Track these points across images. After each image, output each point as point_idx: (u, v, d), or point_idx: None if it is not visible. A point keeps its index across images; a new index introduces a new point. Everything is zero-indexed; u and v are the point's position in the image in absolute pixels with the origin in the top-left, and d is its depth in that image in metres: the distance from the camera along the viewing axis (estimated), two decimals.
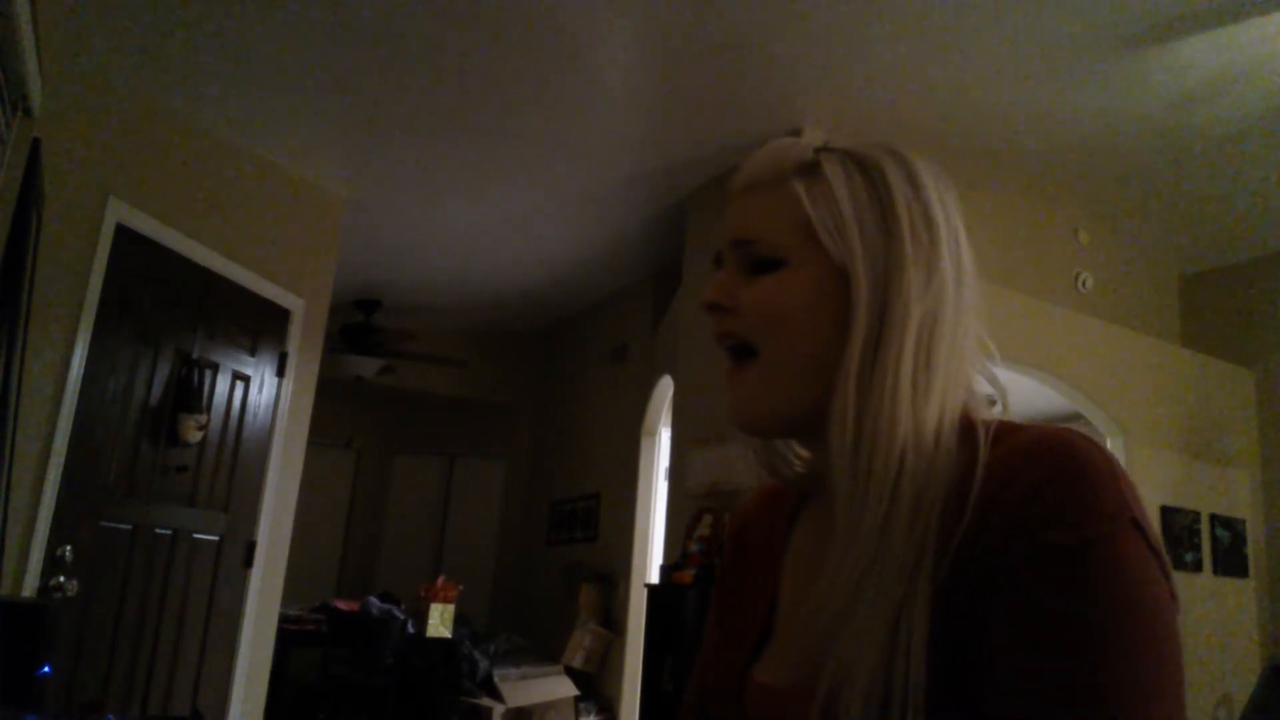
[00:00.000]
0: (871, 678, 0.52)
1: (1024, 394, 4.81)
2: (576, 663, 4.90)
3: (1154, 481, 4.19)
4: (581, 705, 4.85)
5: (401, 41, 3.10)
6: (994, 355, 0.66)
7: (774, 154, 0.68)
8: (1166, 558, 0.52)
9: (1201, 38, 2.92)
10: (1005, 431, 0.58)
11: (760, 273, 0.65)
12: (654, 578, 4.56)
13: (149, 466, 3.25)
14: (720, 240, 0.69)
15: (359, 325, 6.00)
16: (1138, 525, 0.51)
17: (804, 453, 0.73)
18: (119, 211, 3.15)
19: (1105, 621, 0.48)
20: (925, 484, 0.56)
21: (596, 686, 5.01)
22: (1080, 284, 4.59)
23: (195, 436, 3.37)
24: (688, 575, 3.34)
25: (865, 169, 0.65)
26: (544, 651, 5.28)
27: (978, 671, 0.50)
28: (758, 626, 0.70)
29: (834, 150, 0.67)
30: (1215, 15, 2.81)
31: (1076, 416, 4.87)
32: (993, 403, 0.64)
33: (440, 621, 4.80)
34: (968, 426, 0.59)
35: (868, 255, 0.62)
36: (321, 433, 4.75)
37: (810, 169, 0.66)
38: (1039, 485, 0.52)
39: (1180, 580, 4.18)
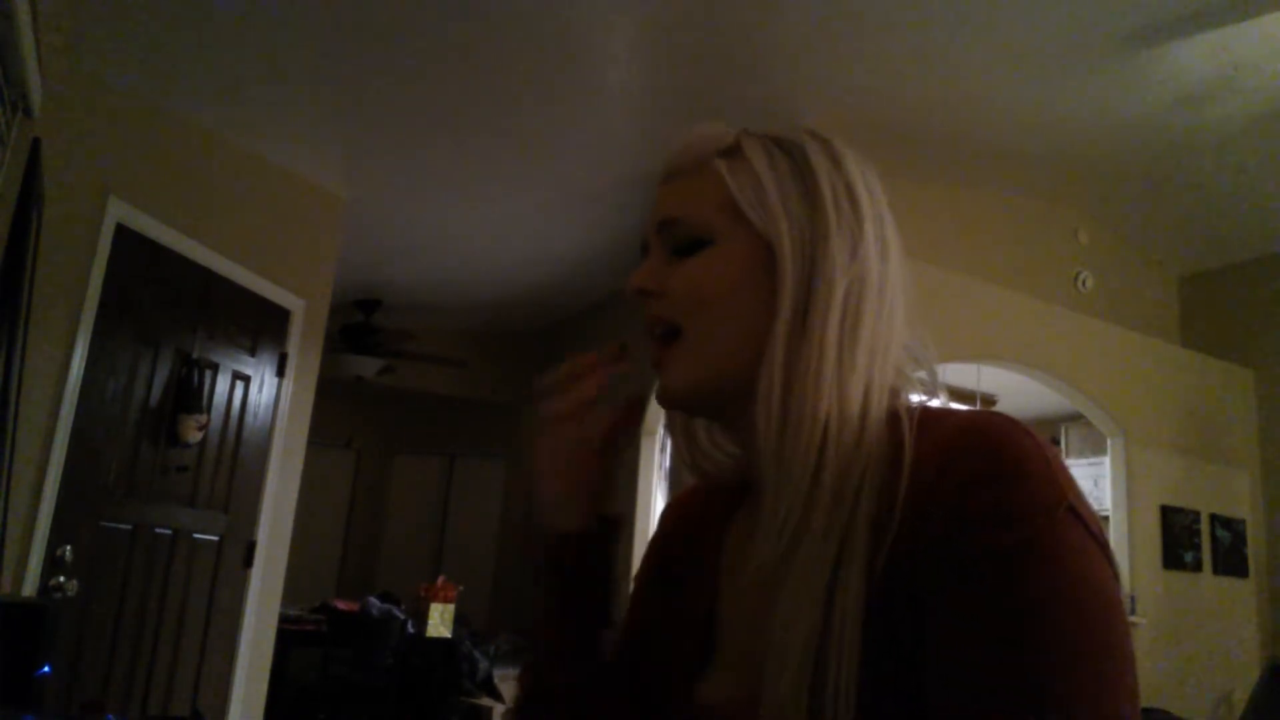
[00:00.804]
0: (800, 667, 0.52)
1: (1024, 394, 4.81)
2: None
3: (1154, 481, 4.19)
4: None
5: (401, 41, 3.10)
6: (924, 336, 0.64)
7: (695, 140, 0.67)
8: (1106, 539, 0.51)
9: (1201, 38, 2.92)
10: (930, 418, 0.57)
11: (687, 254, 0.64)
12: None
13: (149, 467, 3.25)
14: (646, 229, 0.69)
15: (359, 325, 6.00)
16: (1075, 513, 0.50)
17: (731, 448, 0.72)
18: (119, 211, 3.14)
19: (1051, 618, 0.47)
20: (849, 465, 0.55)
21: None
22: (1080, 284, 4.59)
23: (195, 437, 3.37)
24: None
25: (785, 148, 0.65)
26: None
27: (916, 673, 0.50)
28: (697, 643, 0.67)
29: (754, 133, 0.67)
30: (1215, 15, 2.81)
31: (1077, 416, 4.87)
32: (924, 385, 0.63)
33: (440, 621, 4.80)
34: (893, 412, 0.58)
35: (792, 227, 0.61)
36: (321, 433, 4.74)
37: (731, 150, 0.66)
38: (974, 479, 0.51)
39: (1180, 580, 4.18)
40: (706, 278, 0.63)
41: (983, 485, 0.50)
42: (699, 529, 0.74)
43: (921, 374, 0.63)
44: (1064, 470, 0.52)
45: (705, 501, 0.75)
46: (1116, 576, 0.51)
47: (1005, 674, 0.47)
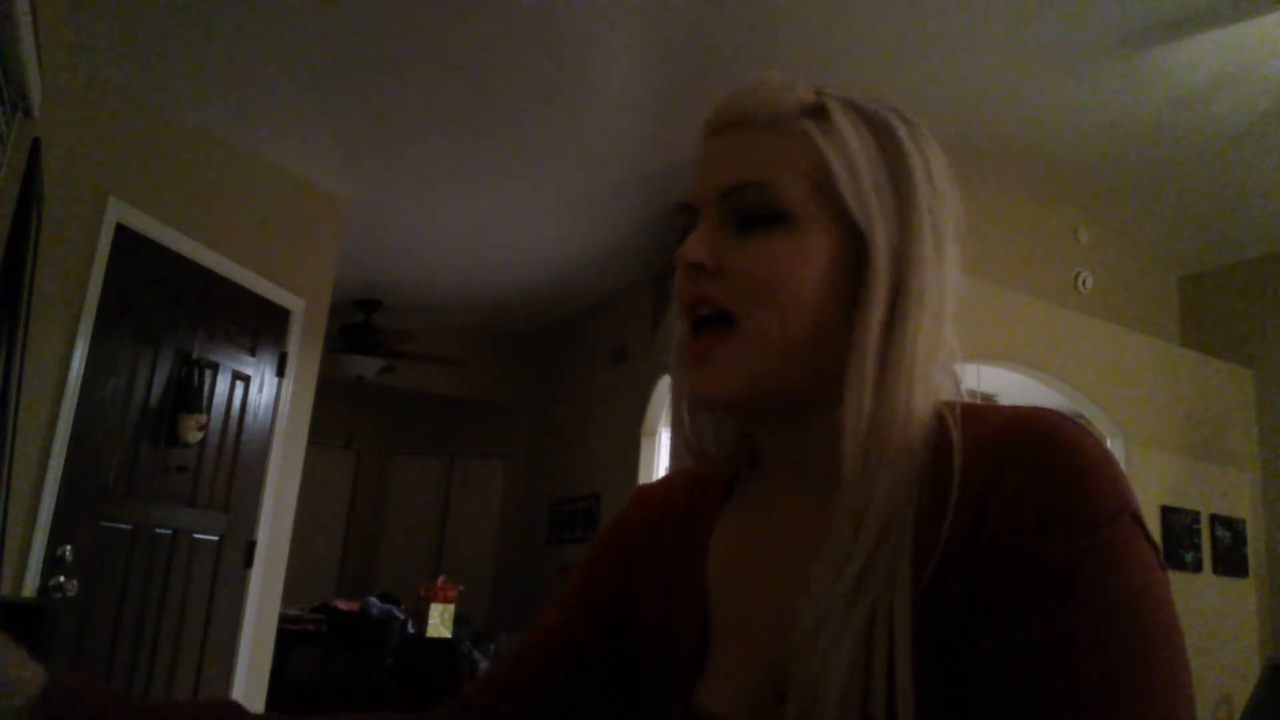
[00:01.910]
0: (846, 690, 0.47)
1: (1024, 394, 4.81)
2: None
3: (1154, 481, 4.19)
4: None
5: (402, 41, 3.10)
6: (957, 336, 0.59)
7: (769, 90, 0.58)
8: (1159, 545, 0.49)
9: (1201, 38, 2.92)
10: (973, 414, 0.53)
11: (752, 228, 0.56)
12: None
13: (149, 466, 3.25)
14: (697, 186, 0.59)
15: (359, 325, 6.00)
16: (1137, 518, 0.47)
17: (732, 433, 0.65)
18: (119, 211, 3.15)
19: (1117, 629, 0.45)
20: (902, 468, 0.51)
21: None
22: (1080, 284, 4.59)
23: (195, 436, 3.37)
24: None
25: (871, 124, 0.57)
26: None
27: (976, 684, 0.46)
28: (694, 643, 0.60)
29: (833, 95, 0.58)
30: (1215, 15, 2.81)
31: (1077, 416, 4.86)
32: (958, 384, 0.59)
33: (440, 621, 4.80)
34: (936, 411, 0.54)
35: (885, 220, 0.55)
36: (321, 433, 4.74)
37: (818, 112, 0.57)
38: (1033, 482, 0.47)
39: (1180, 580, 4.18)
40: (785, 266, 0.54)
41: (1041, 489, 0.47)
42: (681, 523, 0.67)
43: (955, 373, 0.58)
44: (1122, 471, 0.49)
45: (685, 495, 0.68)
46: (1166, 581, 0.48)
47: (1069, 686, 0.44)
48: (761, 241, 0.55)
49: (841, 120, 0.56)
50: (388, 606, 4.89)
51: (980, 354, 4.00)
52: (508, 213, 4.62)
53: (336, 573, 7.18)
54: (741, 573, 0.61)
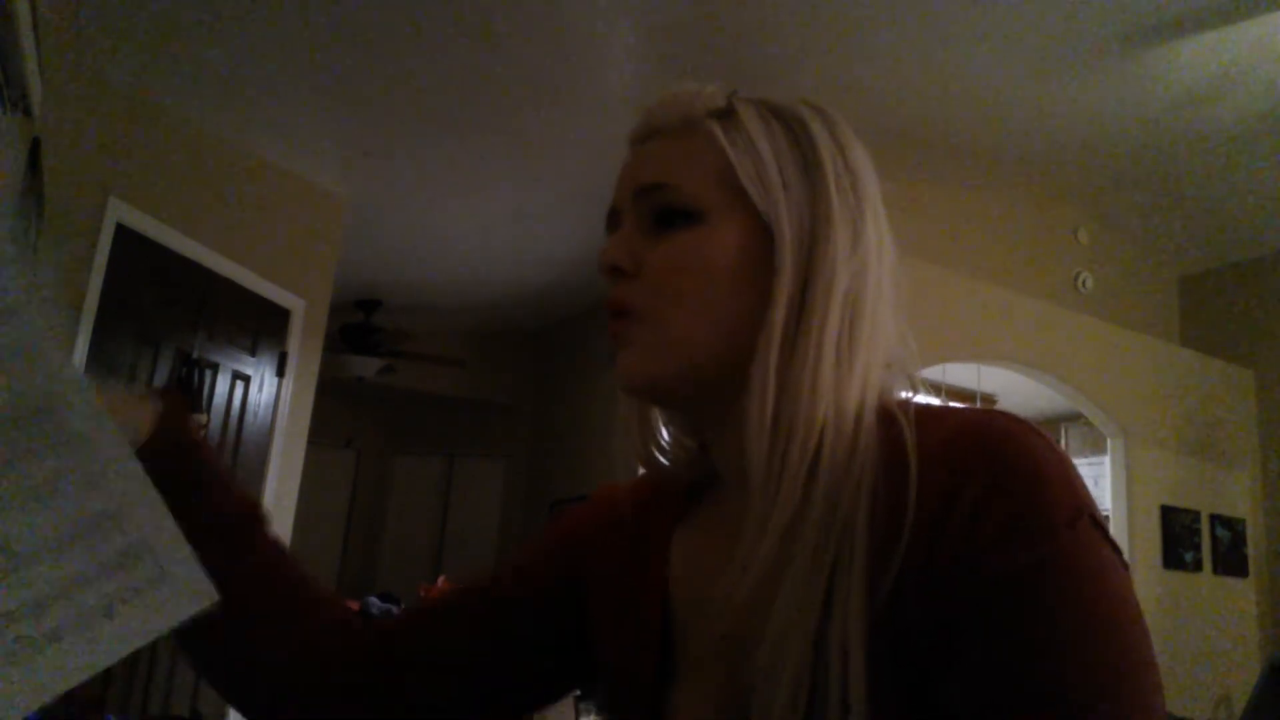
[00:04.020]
0: (794, 693, 0.47)
1: (1024, 394, 4.81)
2: None
3: (1154, 481, 4.20)
4: (581, 705, 4.85)
5: (401, 41, 3.10)
6: (909, 335, 0.58)
7: (681, 97, 0.59)
8: (1117, 543, 0.48)
9: (1201, 38, 2.92)
10: (928, 417, 0.52)
11: (668, 227, 0.57)
12: None
13: None
14: (618, 194, 0.61)
15: (359, 325, 6.00)
16: (1095, 520, 0.47)
17: (688, 441, 0.65)
18: (119, 211, 3.15)
19: (1081, 638, 0.44)
20: (845, 472, 0.51)
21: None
22: (1080, 284, 4.59)
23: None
24: None
25: (782, 117, 0.58)
26: None
27: (943, 703, 0.46)
28: (655, 647, 0.60)
29: (747, 97, 0.60)
30: (1215, 15, 2.81)
31: (1077, 416, 4.87)
32: (910, 382, 0.58)
33: None
34: (885, 410, 0.53)
35: (792, 209, 0.55)
36: (321, 433, 4.74)
37: (725, 113, 0.58)
38: (988, 495, 0.46)
39: (1180, 580, 4.18)
40: (694, 260, 0.56)
41: (999, 498, 0.46)
42: (641, 527, 0.66)
43: (907, 370, 0.57)
44: (1077, 474, 0.48)
45: (643, 501, 0.68)
46: (1126, 568, 0.48)
47: (1038, 697, 0.43)
48: (673, 239, 0.56)
49: (749, 117, 0.58)
50: (388, 606, 4.89)
51: (980, 354, 4.00)
52: (508, 213, 4.62)
53: (336, 573, 7.18)
54: (700, 582, 0.61)
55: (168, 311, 3.37)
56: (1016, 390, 4.78)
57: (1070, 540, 0.45)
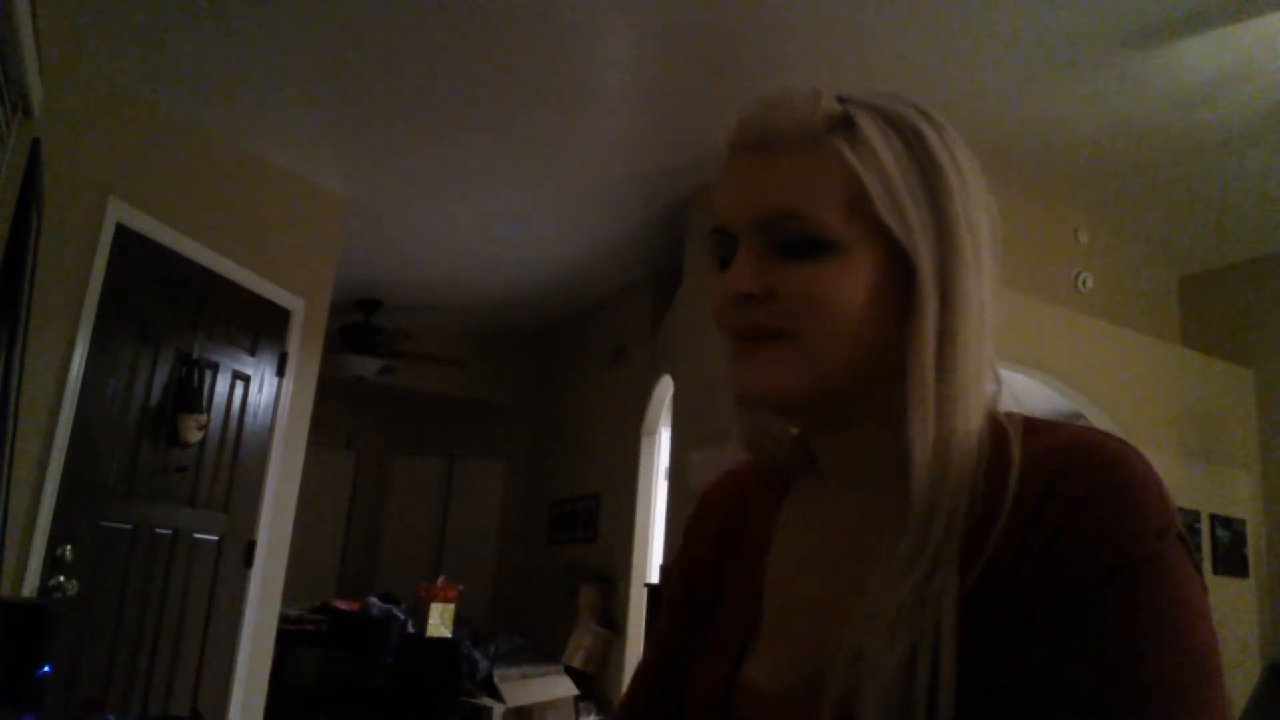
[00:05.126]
0: (893, 679, 0.50)
1: (1024, 394, 4.81)
2: (576, 663, 4.91)
3: None
4: (581, 705, 4.85)
5: (401, 42, 3.10)
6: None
7: (796, 103, 0.57)
8: (1201, 567, 0.51)
9: (1201, 38, 2.92)
10: (1036, 429, 0.55)
11: (799, 255, 0.56)
12: (654, 578, 4.56)
13: (149, 466, 3.25)
14: (730, 208, 0.58)
15: (359, 325, 6.01)
16: (1183, 540, 0.50)
17: (792, 430, 0.67)
18: (119, 211, 3.15)
19: (1156, 644, 0.46)
20: (960, 471, 0.54)
21: (596, 686, 5.01)
22: (1080, 284, 4.59)
23: (195, 436, 3.37)
24: None
25: (898, 128, 0.57)
26: (544, 651, 5.28)
27: (1013, 686, 0.48)
28: (746, 624, 0.64)
29: (859, 101, 0.58)
30: (1215, 15, 2.81)
31: (1077, 416, 4.86)
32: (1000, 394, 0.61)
33: (440, 621, 4.80)
34: (993, 419, 0.56)
35: (924, 233, 0.55)
36: (321, 433, 4.75)
37: (845, 124, 0.56)
38: (1087, 497, 0.49)
39: None
40: (832, 291, 0.55)
41: (1093, 504, 0.49)
42: (743, 515, 0.71)
43: (999, 377, 0.60)
44: (1171, 497, 0.51)
45: (750, 488, 0.72)
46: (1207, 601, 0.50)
47: (1107, 693, 0.46)
48: (808, 268, 0.56)
49: (870, 131, 0.56)
50: (388, 606, 4.89)
51: None
52: (508, 213, 4.62)
53: (336, 573, 7.18)
54: (794, 564, 0.64)
55: (168, 311, 3.37)
56: (1016, 390, 4.77)
57: (1157, 551, 0.48)
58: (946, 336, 0.55)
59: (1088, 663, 0.47)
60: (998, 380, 0.58)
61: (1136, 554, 0.48)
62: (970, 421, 0.55)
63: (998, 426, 0.55)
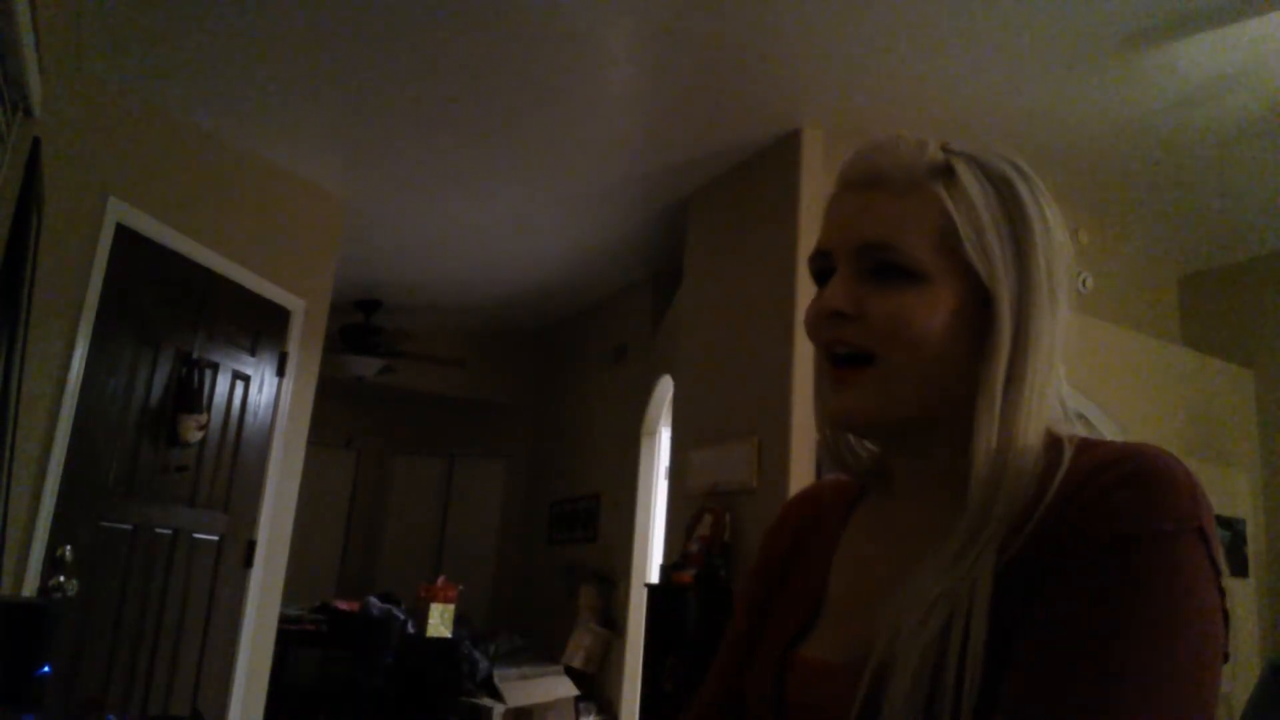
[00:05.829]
0: (926, 649, 0.54)
1: None
2: (576, 663, 4.90)
3: None
4: (581, 705, 4.85)
5: (402, 42, 3.10)
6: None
7: (902, 151, 0.64)
8: (1226, 574, 0.53)
9: (1201, 38, 2.92)
10: (1090, 445, 0.59)
11: (889, 281, 0.62)
12: (654, 578, 4.56)
13: (149, 466, 3.25)
14: (833, 235, 0.66)
15: (359, 325, 6.01)
16: (1203, 535, 0.52)
17: (872, 447, 0.74)
18: (119, 211, 3.15)
19: (1148, 613, 0.49)
20: (1014, 489, 0.58)
21: (596, 686, 5.01)
22: (1080, 284, 4.59)
23: (195, 436, 3.37)
24: (688, 575, 3.34)
25: (994, 180, 0.64)
26: (544, 651, 5.28)
27: (1017, 645, 0.52)
28: (806, 611, 0.71)
29: (960, 152, 0.65)
30: (1215, 15, 2.81)
31: (1077, 416, 4.85)
32: (1078, 417, 0.66)
33: (440, 621, 4.80)
34: (1053, 438, 0.61)
35: (1006, 274, 0.62)
36: (321, 433, 4.75)
37: (946, 172, 0.64)
38: (1115, 485, 0.53)
39: None
40: (915, 316, 0.62)
41: (1120, 490, 0.53)
42: (820, 520, 0.78)
43: (1062, 398, 0.65)
44: (1206, 502, 0.54)
45: (825, 499, 0.80)
46: (1226, 614, 0.52)
47: (1095, 665, 0.48)
48: (896, 293, 0.62)
49: (967, 180, 0.63)
50: (388, 606, 4.89)
51: None
52: (508, 213, 4.62)
53: (336, 573, 7.18)
54: (857, 564, 0.71)
55: (168, 311, 3.37)
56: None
57: (1174, 535, 0.51)
58: (1016, 372, 0.61)
59: (1083, 630, 0.49)
60: (1068, 415, 0.64)
61: (1147, 531, 0.51)
62: (1030, 439, 0.60)
63: (1055, 443, 0.60)
